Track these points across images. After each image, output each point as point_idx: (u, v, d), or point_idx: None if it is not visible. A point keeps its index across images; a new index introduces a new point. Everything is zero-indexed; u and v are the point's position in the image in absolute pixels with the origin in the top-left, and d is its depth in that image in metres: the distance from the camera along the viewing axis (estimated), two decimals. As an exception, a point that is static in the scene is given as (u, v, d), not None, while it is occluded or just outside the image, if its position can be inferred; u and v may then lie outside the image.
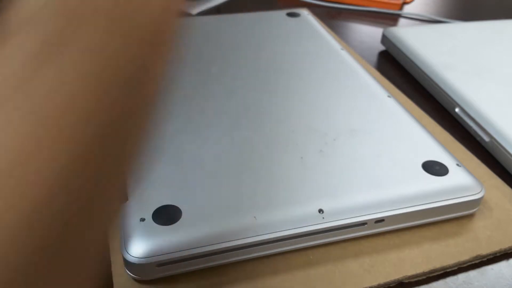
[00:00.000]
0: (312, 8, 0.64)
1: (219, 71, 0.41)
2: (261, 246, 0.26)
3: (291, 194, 0.28)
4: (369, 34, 0.58)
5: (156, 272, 0.25)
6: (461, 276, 0.28)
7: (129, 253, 0.24)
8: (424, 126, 0.35)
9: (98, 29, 0.13)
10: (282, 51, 0.45)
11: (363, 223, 0.28)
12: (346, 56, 0.44)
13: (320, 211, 0.27)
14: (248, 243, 0.26)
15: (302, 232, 0.26)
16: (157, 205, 0.27)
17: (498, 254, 0.29)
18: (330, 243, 0.28)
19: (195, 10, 0.62)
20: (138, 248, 0.24)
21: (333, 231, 0.27)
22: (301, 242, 0.27)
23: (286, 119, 0.35)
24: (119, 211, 0.14)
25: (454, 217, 0.30)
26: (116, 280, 0.26)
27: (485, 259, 0.29)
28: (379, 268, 0.27)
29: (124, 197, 0.14)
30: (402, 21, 0.64)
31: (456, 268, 0.28)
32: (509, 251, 0.29)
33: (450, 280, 0.28)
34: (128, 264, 0.25)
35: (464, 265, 0.28)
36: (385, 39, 0.53)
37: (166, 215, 0.26)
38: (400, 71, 0.50)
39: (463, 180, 0.30)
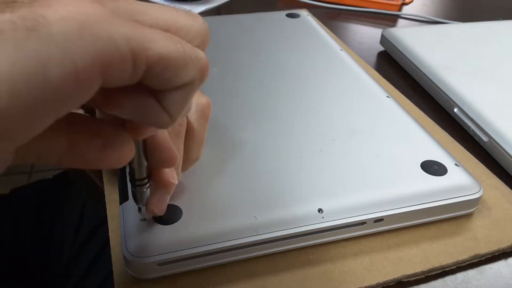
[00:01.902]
0: (312, 9, 0.64)
1: (219, 72, 0.41)
2: (261, 246, 0.26)
3: (291, 193, 0.28)
4: (368, 34, 0.59)
5: (157, 271, 0.25)
6: (460, 275, 0.28)
7: (130, 252, 0.25)
8: (422, 126, 0.35)
9: None
10: (281, 51, 0.45)
11: (362, 223, 0.28)
12: (345, 57, 0.44)
13: (320, 210, 0.27)
14: (248, 242, 0.26)
15: (301, 232, 0.27)
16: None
17: (496, 254, 0.29)
18: (330, 243, 0.28)
19: (196, 11, 0.62)
20: (139, 247, 0.25)
21: (332, 231, 0.28)
22: (300, 242, 0.27)
23: (285, 119, 0.35)
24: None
25: (453, 217, 0.30)
26: (117, 279, 0.26)
27: (483, 258, 0.29)
28: (378, 267, 0.27)
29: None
30: (401, 22, 0.64)
31: (454, 267, 0.28)
32: (507, 250, 0.29)
33: (448, 279, 0.28)
34: (129, 263, 0.25)
35: (463, 264, 0.28)
36: (384, 40, 0.53)
37: (167, 215, 0.26)
38: (399, 72, 0.50)
39: (461, 179, 0.30)
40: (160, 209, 0.24)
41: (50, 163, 0.17)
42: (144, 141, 0.22)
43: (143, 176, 0.23)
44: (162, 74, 0.15)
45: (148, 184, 0.23)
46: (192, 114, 0.25)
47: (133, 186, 0.23)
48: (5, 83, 0.11)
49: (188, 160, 0.26)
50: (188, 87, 0.16)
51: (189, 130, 0.25)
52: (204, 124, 0.26)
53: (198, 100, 0.25)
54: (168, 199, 0.25)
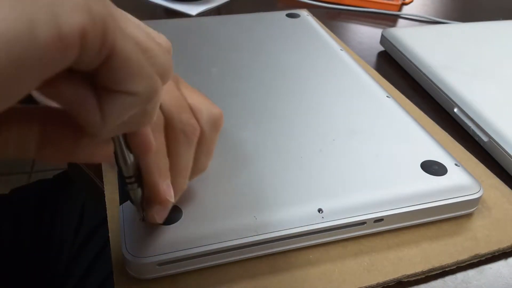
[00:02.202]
0: (312, 9, 0.64)
1: (219, 72, 0.41)
2: (261, 246, 0.26)
3: (291, 193, 0.28)
4: (368, 34, 0.59)
5: (157, 271, 0.25)
6: (460, 275, 0.28)
7: (130, 252, 0.25)
8: (423, 126, 0.35)
9: None
10: (281, 51, 0.45)
11: (362, 223, 0.28)
12: (345, 57, 0.44)
13: (320, 210, 0.27)
14: (248, 242, 0.26)
15: (301, 232, 0.27)
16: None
17: (496, 254, 0.29)
18: (330, 243, 0.28)
19: (196, 11, 0.62)
20: (138, 247, 0.25)
21: (332, 231, 0.28)
22: (300, 242, 0.27)
23: (286, 119, 0.35)
24: None
25: (453, 217, 0.30)
26: (117, 279, 0.26)
27: (483, 258, 0.29)
28: (378, 267, 0.27)
29: None
30: (401, 22, 0.64)
31: (454, 267, 0.28)
32: (507, 250, 0.29)
33: (448, 279, 0.28)
34: (129, 263, 0.25)
35: (463, 264, 0.28)
36: (384, 40, 0.53)
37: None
38: (399, 72, 0.50)
39: (461, 179, 0.30)
40: (160, 218, 0.24)
41: (29, 153, 0.17)
42: (125, 137, 0.21)
43: (130, 174, 0.22)
44: (116, 69, 0.15)
45: (139, 183, 0.23)
46: (205, 124, 0.25)
47: (124, 184, 0.23)
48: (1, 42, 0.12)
49: (194, 169, 0.26)
50: (130, 98, 0.16)
51: (200, 140, 0.25)
52: (215, 135, 0.26)
53: (211, 110, 0.25)
54: (169, 209, 0.25)
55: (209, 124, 0.25)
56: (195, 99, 0.25)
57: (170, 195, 0.24)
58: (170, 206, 0.25)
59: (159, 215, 0.24)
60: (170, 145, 0.23)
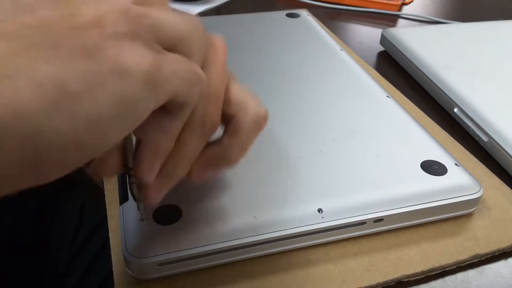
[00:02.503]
0: (312, 9, 0.64)
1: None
2: (261, 246, 0.26)
3: (291, 193, 0.28)
4: (368, 34, 0.59)
5: (157, 271, 0.25)
6: (460, 275, 0.28)
7: (129, 252, 0.25)
8: (423, 126, 0.35)
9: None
10: (281, 51, 0.45)
11: (362, 223, 0.28)
12: (345, 57, 0.44)
13: (320, 210, 0.27)
14: (248, 242, 0.26)
15: (301, 232, 0.27)
16: (158, 204, 0.27)
17: (496, 253, 0.29)
18: (330, 243, 0.28)
19: (196, 11, 0.62)
20: (138, 247, 0.25)
21: (332, 231, 0.28)
22: (300, 242, 0.27)
23: (285, 119, 0.35)
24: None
25: (453, 217, 0.30)
26: (117, 279, 0.26)
27: (483, 258, 0.29)
28: (378, 267, 0.27)
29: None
30: (401, 21, 0.64)
31: (454, 267, 0.28)
32: (507, 250, 0.29)
33: (448, 279, 0.28)
34: (129, 264, 0.25)
35: (463, 264, 0.28)
36: (384, 40, 0.53)
37: (167, 215, 0.26)
38: (399, 72, 0.50)
39: (461, 179, 0.30)
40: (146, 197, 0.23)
41: None
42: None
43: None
44: (176, 108, 0.20)
45: None
46: (247, 118, 0.24)
47: (128, 177, 0.22)
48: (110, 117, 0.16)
49: (225, 160, 0.24)
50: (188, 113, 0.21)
51: (237, 131, 0.24)
52: (255, 133, 0.25)
53: (256, 108, 0.25)
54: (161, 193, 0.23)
55: (251, 120, 0.24)
56: (244, 95, 0.24)
57: (149, 176, 0.22)
58: (149, 194, 0.23)
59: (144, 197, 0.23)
60: (183, 130, 0.22)
